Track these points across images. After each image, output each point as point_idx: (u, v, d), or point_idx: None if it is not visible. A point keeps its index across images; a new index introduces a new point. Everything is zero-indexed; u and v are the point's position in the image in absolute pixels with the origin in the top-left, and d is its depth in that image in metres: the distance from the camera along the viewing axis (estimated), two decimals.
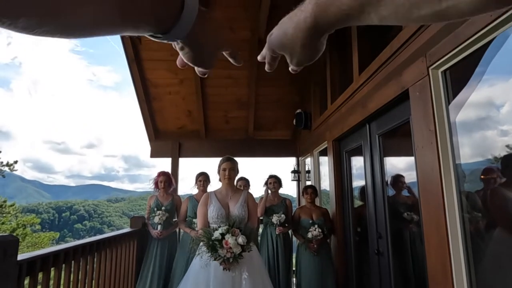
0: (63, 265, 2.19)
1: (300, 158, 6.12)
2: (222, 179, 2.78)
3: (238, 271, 2.39)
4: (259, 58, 0.56)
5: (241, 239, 2.30)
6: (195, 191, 4.13)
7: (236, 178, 4.22)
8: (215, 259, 2.32)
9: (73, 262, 2.31)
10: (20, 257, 1.71)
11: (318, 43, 0.47)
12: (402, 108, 2.36)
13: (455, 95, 1.77)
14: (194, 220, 3.72)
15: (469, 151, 1.69)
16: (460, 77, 1.77)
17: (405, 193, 2.63)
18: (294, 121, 5.25)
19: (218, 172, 2.82)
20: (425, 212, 1.90)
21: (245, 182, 4.23)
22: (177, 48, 0.49)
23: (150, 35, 0.43)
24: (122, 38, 4.41)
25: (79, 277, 2.41)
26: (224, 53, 0.57)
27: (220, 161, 2.83)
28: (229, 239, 2.28)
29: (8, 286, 1.57)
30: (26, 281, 1.87)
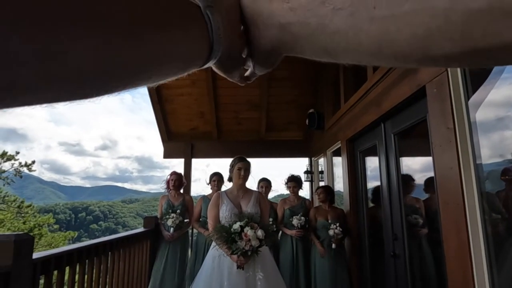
0: (77, 265, 2.21)
1: (313, 159, 6.06)
2: (236, 179, 2.68)
3: (252, 271, 2.35)
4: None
5: (260, 232, 2.30)
6: (208, 191, 4.13)
7: (258, 179, 4.22)
8: (232, 252, 2.30)
9: (87, 261, 2.32)
10: (34, 255, 1.72)
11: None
12: (418, 106, 2.29)
13: (474, 91, 1.70)
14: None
15: (489, 150, 1.61)
16: (479, 73, 1.69)
17: (415, 194, 2.56)
18: (307, 121, 5.19)
19: (231, 171, 2.73)
20: (444, 213, 1.83)
21: (267, 183, 4.22)
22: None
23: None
24: None
25: (93, 276, 2.42)
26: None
27: (235, 160, 2.73)
28: (248, 231, 2.28)
29: (23, 285, 1.59)
30: (42, 280, 1.90)
